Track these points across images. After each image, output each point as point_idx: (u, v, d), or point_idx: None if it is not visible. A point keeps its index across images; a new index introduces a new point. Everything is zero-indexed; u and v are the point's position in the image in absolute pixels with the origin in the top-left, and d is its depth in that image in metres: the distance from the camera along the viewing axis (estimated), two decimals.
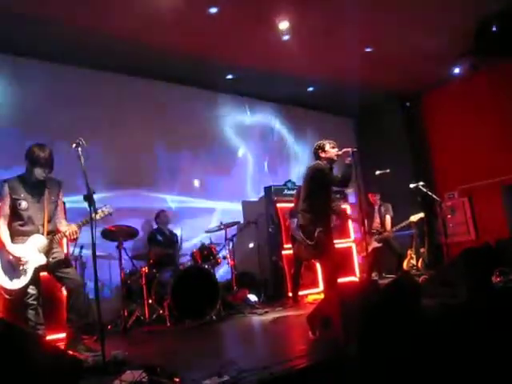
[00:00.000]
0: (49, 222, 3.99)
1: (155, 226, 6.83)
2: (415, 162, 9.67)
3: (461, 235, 8.79)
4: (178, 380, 2.55)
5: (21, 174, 4.03)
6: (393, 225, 7.43)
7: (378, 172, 7.30)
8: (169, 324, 5.34)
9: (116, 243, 5.58)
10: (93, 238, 3.32)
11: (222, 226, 6.52)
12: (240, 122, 8.82)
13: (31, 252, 3.88)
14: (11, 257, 3.84)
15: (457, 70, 8.76)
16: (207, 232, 6.73)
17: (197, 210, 7.72)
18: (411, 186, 7.27)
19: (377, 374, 2.75)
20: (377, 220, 7.53)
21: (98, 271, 3.43)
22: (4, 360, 2.35)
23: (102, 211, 4.06)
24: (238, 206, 8.25)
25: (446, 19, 6.71)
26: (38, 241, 3.92)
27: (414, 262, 7.99)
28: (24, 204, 3.92)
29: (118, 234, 5.54)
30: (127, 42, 6.43)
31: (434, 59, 7.94)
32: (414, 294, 3.76)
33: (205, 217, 7.66)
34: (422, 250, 8.02)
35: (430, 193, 7.13)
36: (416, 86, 9.35)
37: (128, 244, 6.01)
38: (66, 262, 4.09)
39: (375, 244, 7.32)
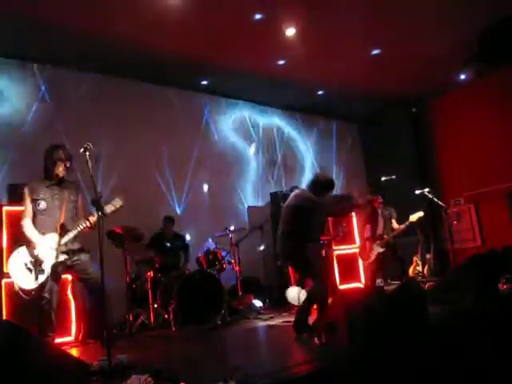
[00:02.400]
0: (66, 221, 4.03)
1: (159, 231, 6.84)
2: (421, 168, 9.66)
3: (467, 242, 8.75)
4: None
5: (41, 176, 4.14)
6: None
7: (383, 178, 7.29)
8: (174, 329, 5.34)
9: (121, 247, 5.58)
10: (100, 242, 3.34)
11: (228, 232, 6.53)
12: (246, 128, 8.84)
13: (47, 251, 3.94)
14: (33, 254, 3.91)
15: (462, 77, 8.76)
16: (213, 237, 6.74)
17: (203, 214, 7.73)
18: (417, 192, 7.23)
19: (382, 380, 2.75)
20: (380, 224, 7.42)
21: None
22: (11, 363, 2.36)
23: (113, 205, 4.08)
24: (244, 212, 8.26)
25: (450, 26, 6.73)
26: (53, 240, 3.97)
27: (419, 268, 7.95)
28: (43, 204, 4.02)
29: (124, 236, 5.53)
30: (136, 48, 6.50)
31: (440, 65, 7.95)
32: (420, 300, 3.75)
33: (210, 222, 7.67)
34: (427, 256, 7.99)
35: (435, 199, 7.10)
36: (422, 92, 9.35)
37: (133, 248, 6.01)
38: (84, 263, 4.12)
39: (378, 249, 7.24)
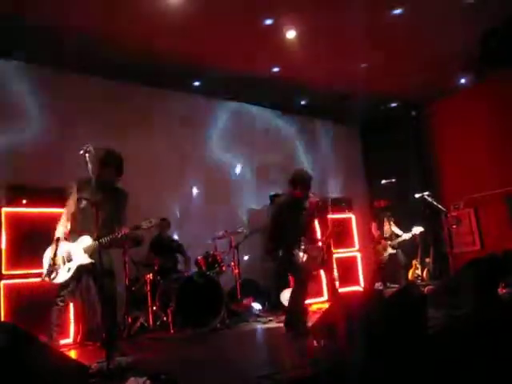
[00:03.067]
0: (103, 225, 3.89)
1: (156, 234, 6.84)
2: (421, 171, 9.66)
3: (466, 246, 8.75)
4: None
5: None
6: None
7: (383, 181, 7.31)
8: (173, 331, 5.33)
9: (121, 250, 5.59)
10: (98, 245, 3.34)
11: (227, 234, 6.52)
12: (246, 131, 8.84)
13: (77, 251, 3.96)
14: (66, 250, 3.96)
15: (463, 80, 8.77)
16: (212, 240, 6.73)
17: (202, 217, 7.72)
18: (417, 195, 7.24)
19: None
20: (386, 227, 7.54)
21: None
22: (11, 365, 2.36)
23: (150, 222, 4.16)
24: (243, 214, 8.25)
25: (451, 29, 6.74)
26: (85, 241, 3.98)
27: (419, 272, 7.95)
28: (84, 203, 4.04)
29: (124, 241, 5.54)
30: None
31: (441, 69, 7.96)
32: (420, 304, 3.75)
33: (210, 224, 7.66)
34: (427, 260, 7.99)
35: (435, 203, 7.10)
36: (422, 96, 9.36)
37: (132, 250, 6.01)
38: (107, 272, 4.03)
39: (390, 250, 7.36)
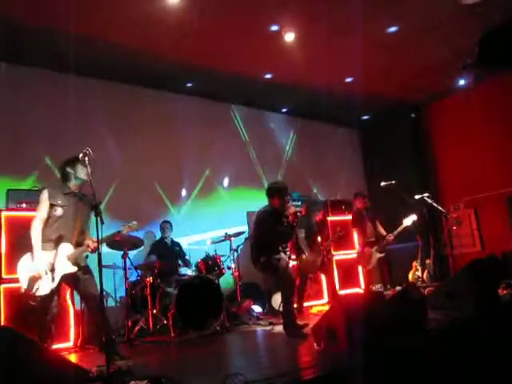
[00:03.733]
0: (80, 233, 4.00)
1: (158, 237, 6.84)
2: (421, 173, 9.66)
3: (466, 247, 8.75)
4: None
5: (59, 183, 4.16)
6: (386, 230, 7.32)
7: (383, 183, 7.28)
8: (173, 334, 5.31)
9: (121, 253, 5.58)
10: (99, 248, 3.34)
11: (227, 237, 6.52)
12: (246, 133, 8.84)
13: (60, 260, 3.91)
14: (42, 262, 3.88)
15: (462, 82, 8.78)
16: (212, 242, 6.73)
17: (202, 219, 7.73)
18: (416, 197, 7.23)
19: None
20: (370, 226, 7.35)
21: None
22: (11, 369, 2.35)
23: (129, 226, 4.15)
24: (243, 217, 8.25)
25: (450, 31, 6.76)
26: (67, 249, 3.95)
27: (419, 273, 7.92)
28: (59, 211, 3.99)
29: (123, 244, 5.54)
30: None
31: (439, 71, 7.98)
32: (420, 306, 3.75)
33: (210, 227, 7.66)
34: (427, 261, 7.96)
35: (435, 204, 7.09)
36: (422, 97, 9.39)
37: (132, 254, 6.02)
38: (88, 275, 4.06)
39: (377, 255, 7.21)
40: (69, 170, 4.08)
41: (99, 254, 3.32)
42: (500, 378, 2.88)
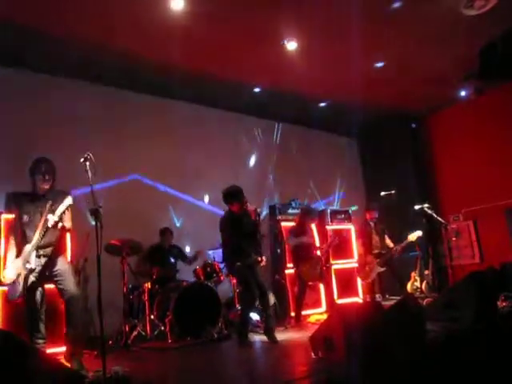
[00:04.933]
0: (45, 233, 3.93)
1: (158, 243, 6.82)
2: (420, 183, 9.67)
3: (465, 258, 8.75)
4: None
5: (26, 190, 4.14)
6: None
7: (383, 193, 7.30)
8: (170, 341, 5.30)
9: (119, 258, 5.58)
10: (98, 251, 3.34)
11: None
12: (245, 140, 8.87)
13: (21, 263, 3.90)
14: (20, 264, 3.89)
15: (462, 93, 8.82)
16: (211, 249, 6.73)
17: (201, 226, 7.72)
18: (416, 207, 7.23)
19: None
20: (376, 239, 7.35)
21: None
22: (4, 373, 2.34)
23: (64, 205, 3.92)
24: None
25: (451, 43, 6.80)
26: (26, 250, 3.92)
27: (417, 284, 7.91)
28: (25, 218, 4.00)
29: (122, 249, 5.54)
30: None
31: (440, 82, 8.02)
32: (418, 317, 3.74)
33: (209, 233, 7.64)
34: (426, 272, 7.95)
35: (434, 215, 7.10)
36: (422, 108, 9.42)
37: (131, 259, 6.00)
38: (62, 273, 4.04)
39: (379, 269, 7.18)
40: (32, 169, 4.10)
41: (99, 259, 3.32)
42: None
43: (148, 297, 5.68)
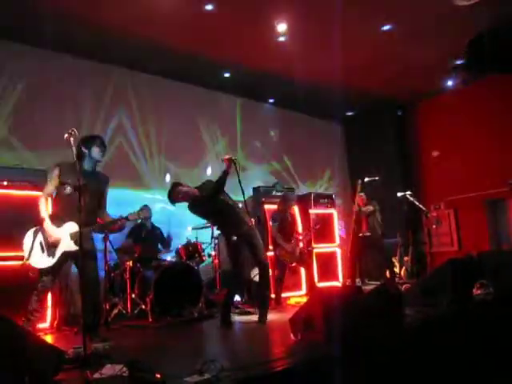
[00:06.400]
0: (89, 212, 3.90)
1: (138, 221, 6.77)
2: (404, 170, 9.77)
3: (444, 246, 8.90)
4: (159, 376, 2.55)
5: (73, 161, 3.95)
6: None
7: (366, 178, 7.35)
8: (151, 319, 5.32)
9: (102, 235, 5.53)
10: (80, 230, 3.33)
11: (209, 224, 6.51)
12: (231, 122, 8.82)
13: (64, 237, 3.89)
14: (46, 236, 3.87)
15: (449, 83, 8.88)
16: (194, 229, 6.72)
17: (184, 205, 7.68)
18: (399, 194, 7.33)
19: (357, 378, 2.78)
20: (364, 222, 7.43)
21: None
22: None
23: (138, 214, 4.10)
24: None
25: (439, 33, 6.82)
26: (72, 228, 3.89)
27: (397, 270, 8.05)
28: (68, 189, 3.93)
29: (104, 225, 5.48)
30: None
31: (427, 70, 8.05)
32: (396, 302, 3.81)
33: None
34: (405, 258, 8.08)
35: (416, 202, 7.19)
36: (409, 97, 9.46)
37: (112, 236, 5.96)
38: (91, 257, 4.01)
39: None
40: (83, 149, 4.03)
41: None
42: (472, 375, 2.96)
43: (129, 275, 5.67)
